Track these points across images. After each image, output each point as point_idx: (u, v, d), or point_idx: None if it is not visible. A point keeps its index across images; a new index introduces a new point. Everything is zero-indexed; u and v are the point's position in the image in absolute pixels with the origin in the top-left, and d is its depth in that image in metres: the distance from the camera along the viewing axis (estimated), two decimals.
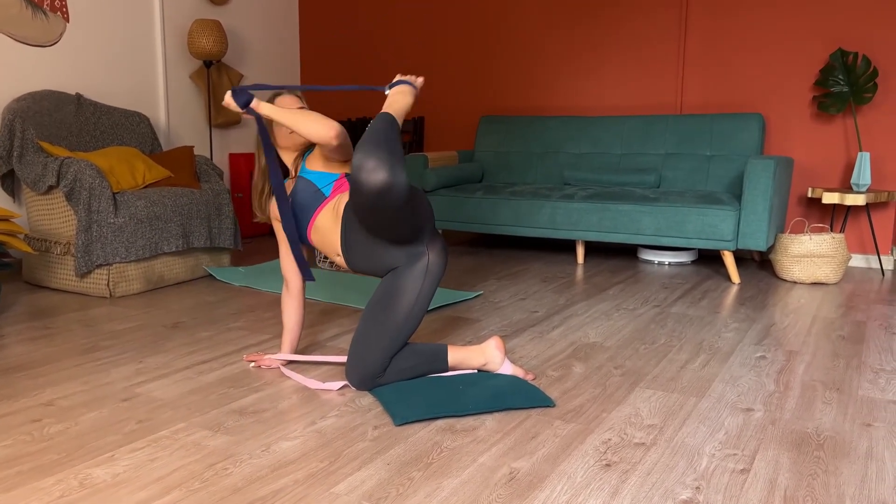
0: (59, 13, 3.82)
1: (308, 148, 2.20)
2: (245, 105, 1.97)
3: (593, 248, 4.58)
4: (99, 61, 4.07)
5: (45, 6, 3.75)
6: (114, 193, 3.23)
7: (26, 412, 1.88)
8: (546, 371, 2.21)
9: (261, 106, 1.98)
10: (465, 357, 2.10)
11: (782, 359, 2.35)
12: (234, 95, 1.96)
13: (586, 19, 4.53)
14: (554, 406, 1.91)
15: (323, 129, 1.92)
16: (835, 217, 4.04)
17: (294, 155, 2.20)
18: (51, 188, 3.25)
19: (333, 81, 5.45)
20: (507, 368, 2.12)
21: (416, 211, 1.89)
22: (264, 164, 2.17)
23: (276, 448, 1.67)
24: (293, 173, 2.19)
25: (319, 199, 2.06)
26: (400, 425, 1.79)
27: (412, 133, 5.09)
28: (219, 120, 4.77)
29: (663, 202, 3.67)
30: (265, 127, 2.07)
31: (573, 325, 2.74)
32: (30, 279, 3.45)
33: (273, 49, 5.29)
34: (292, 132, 2.11)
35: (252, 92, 1.90)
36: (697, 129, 4.14)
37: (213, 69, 4.69)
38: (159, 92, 4.44)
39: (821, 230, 4.10)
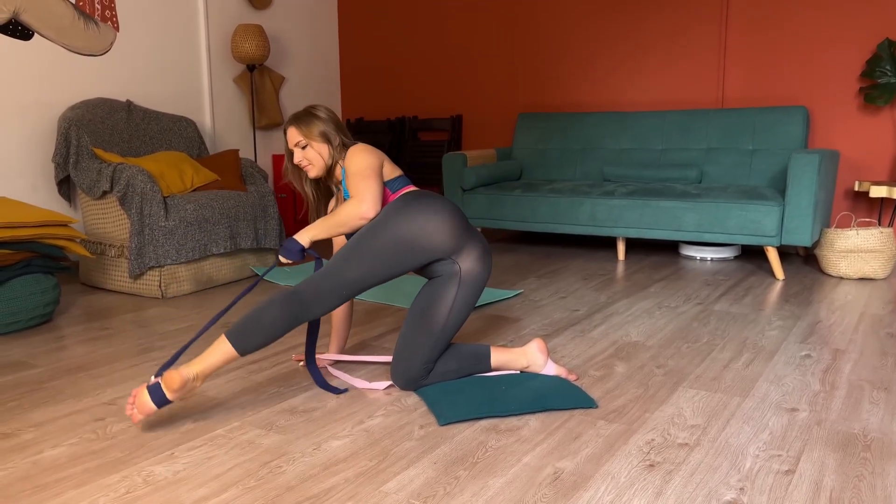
0: (109, 23, 3.95)
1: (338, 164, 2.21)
2: (302, 254, 2.04)
3: (634, 244, 4.57)
4: (147, 68, 4.20)
5: (96, 17, 3.88)
6: (164, 197, 3.34)
7: (90, 411, 1.97)
8: (588, 371, 2.24)
9: (305, 239, 2.01)
10: (508, 360, 2.13)
11: (828, 357, 2.33)
12: (287, 254, 2.02)
13: (624, 13, 4.51)
14: (596, 407, 1.94)
15: (360, 213, 1.98)
16: (883, 211, 3.96)
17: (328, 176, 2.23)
18: (105, 193, 3.37)
19: (372, 83, 5.51)
20: (551, 369, 2.14)
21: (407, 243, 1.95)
22: (310, 195, 2.26)
23: (327, 447, 1.73)
24: (335, 192, 2.25)
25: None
26: (444, 425, 1.84)
27: (450, 132, 5.13)
28: (262, 122, 4.88)
29: (705, 198, 3.65)
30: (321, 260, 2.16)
31: (614, 324, 2.75)
32: (86, 281, 3.59)
33: (314, 51, 5.38)
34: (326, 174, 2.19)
35: (295, 244, 2.03)
36: (739, 123, 4.09)
37: (255, 73, 4.80)
38: (204, 96, 4.56)
39: (868, 224, 4.02)
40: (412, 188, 2.12)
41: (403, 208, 1.98)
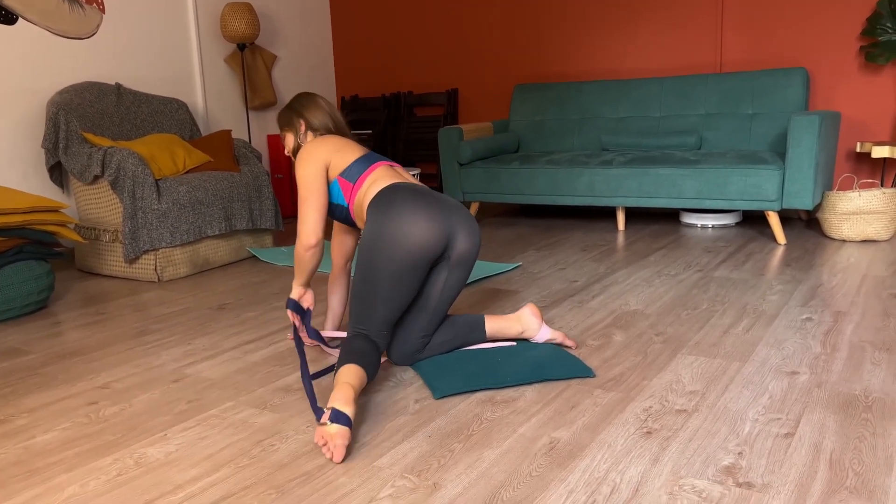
0: (94, 5, 3.89)
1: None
2: (297, 306, 2.17)
3: (634, 214, 4.52)
4: (136, 50, 4.14)
5: None
6: (156, 180, 3.31)
7: (83, 395, 1.96)
8: (586, 340, 2.21)
9: (294, 293, 2.17)
10: (503, 327, 2.11)
11: (829, 320, 2.30)
12: (291, 306, 2.18)
13: None
14: (594, 376, 1.91)
15: (302, 247, 2.06)
16: (886, 171, 3.90)
17: None
18: (96, 178, 3.34)
19: (366, 59, 5.44)
20: (546, 333, 2.11)
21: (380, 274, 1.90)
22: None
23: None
24: None
25: (345, 211, 2.11)
26: (440, 399, 1.82)
27: (446, 106, 5.07)
28: (255, 102, 4.82)
29: (704, 164, 3.60)
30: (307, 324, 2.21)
31: (613, 294, 2.72)
32: (82, 267, 3.57)
33: (306, 28, 5.30)
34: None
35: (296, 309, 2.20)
36: (738, 88, 4.02)
37: (246, 52, 4.73)
38: (195, 77, 4.50)
39: (871, 186, 3.97)
40: (377, 170, 2.04)
41: (382, 226, 1.88)
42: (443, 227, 1.92)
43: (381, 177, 2.03)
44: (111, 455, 1.59)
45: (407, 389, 1.89)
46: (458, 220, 1.98)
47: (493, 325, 2.10)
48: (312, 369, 2.09)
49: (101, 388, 2.01)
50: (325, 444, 1.53)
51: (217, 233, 3.47)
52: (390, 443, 1.59)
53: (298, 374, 2.05)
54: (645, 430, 1.59)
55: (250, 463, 1.53)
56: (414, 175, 4.58)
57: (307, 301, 2.18)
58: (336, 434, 1.52)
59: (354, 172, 2.04)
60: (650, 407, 1.71)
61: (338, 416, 1.55)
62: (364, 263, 1.91)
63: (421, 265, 1.90)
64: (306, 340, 2.21)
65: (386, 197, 1.93)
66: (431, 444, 1.57)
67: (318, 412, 1.70)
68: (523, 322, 2.11)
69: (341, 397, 1.59)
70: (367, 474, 1.46)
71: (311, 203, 2.02)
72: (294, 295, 2.15)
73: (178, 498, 1.40)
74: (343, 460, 1.52)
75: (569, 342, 2.13)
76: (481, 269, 3.16)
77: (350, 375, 1.71)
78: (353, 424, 1.60)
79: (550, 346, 2.11)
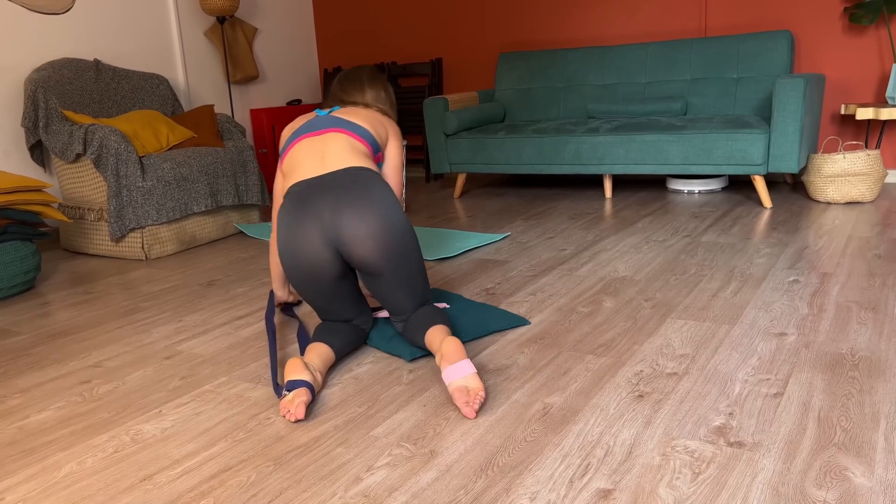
0: None
1: None
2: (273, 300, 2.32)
3: (621, 181, 4.53)
4: (113, 25, 4.06)
5: None
6: (140, 157, 3.27)
7: (76, 374, 1.95)
8: (576, 308, 2.23)
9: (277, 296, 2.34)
10: (432, 343, 1.79)
11: (816, 281, 2.32)
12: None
13: None
14: (529, 324, 1.97)
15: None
16: (870, 133, 3.92)
17: None
18: (78, 156, 3.30)
19: (348, 29, 5.37)
20: (447, 378, 1.61)
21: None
22: None
23: (316, 396, 1.71)
24: None
25: None
26: (412, 360, 1.88)
27: (431, 76, 5.02)
28: (237, 76, 4.76)
29: (690, 129, 3.60)
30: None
31: (602, 261, 2.74)
32: (68, 246, 3.54)
33: None
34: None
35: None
36: (723, 52, 4.01)
37: (227, 25, 4.66)
38: (175, 52, 4.43)
39: (855, 147, 3.99)
40: (291, 151, 1.97)
41: (278, 245, 1.85)
42: (319, 248, 1.78)
43: (294, 164, 1.93)
44: (107, 432, 1.60)
45: (400, 360, 1.90)
46: (346, 231, 1.76)
47: (430, 335, 1.80)
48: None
49: (94, 366, 2.01)
50: (287, 412, 1.59)
51: (203, 209, 3.44)
52: (385, 412, 1.61)
53: (292, 346, 2.05)
54: (637, 393, 1.62)
55: (247, 436, 1.54)
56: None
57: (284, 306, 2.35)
58: (293, 396, 1.60)
59: (282, 152, 2.05)
60: (641, 371, 1.73)
61: (293, 384, 1.64)
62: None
63: (325, 278, 1.82)
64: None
65: (281, 209, 1.85)
66: (426, 413, 1.59)
67: (278, 391, 1.73)
68: (442, 365, 1.67)
69: (292, 369, 1.68)
70: (364, 444, 1.47)
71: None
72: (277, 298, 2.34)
73: (176, 472, 1.41)
74: (305, 418, 1.60)
75: (462, 406, 1.55)
76: (470, 239, 3.17)
77: (308, 353, 1.79)
78: (314, 388, 1.66)
79: (481, 304, 2.21)
